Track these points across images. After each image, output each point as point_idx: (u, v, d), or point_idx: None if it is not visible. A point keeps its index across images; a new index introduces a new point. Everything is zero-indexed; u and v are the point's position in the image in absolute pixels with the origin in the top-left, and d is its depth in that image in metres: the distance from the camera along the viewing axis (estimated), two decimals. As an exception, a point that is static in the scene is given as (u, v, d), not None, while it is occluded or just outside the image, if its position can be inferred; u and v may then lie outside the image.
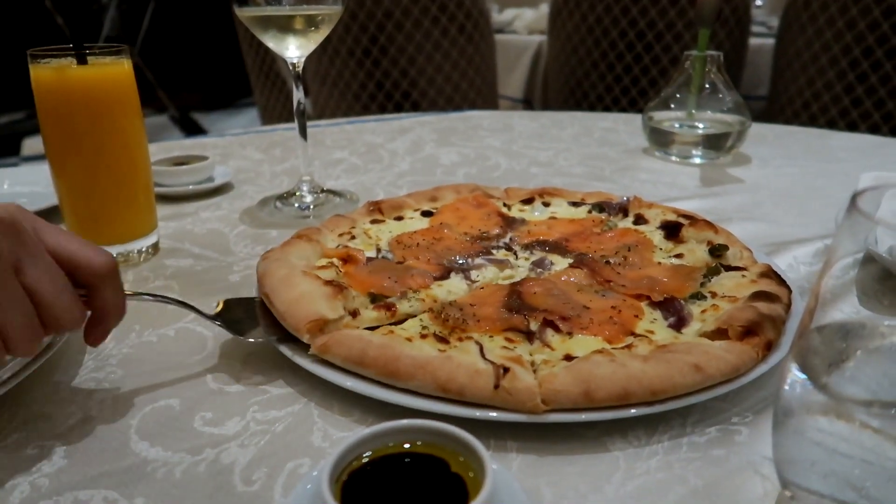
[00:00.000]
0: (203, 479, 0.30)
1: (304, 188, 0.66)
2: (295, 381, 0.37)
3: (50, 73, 0.48)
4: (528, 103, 2.11)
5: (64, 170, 0.50)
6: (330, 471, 0.25)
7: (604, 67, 1.83)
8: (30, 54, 0.49)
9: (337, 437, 0.33)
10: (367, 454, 0.27)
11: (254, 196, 0.69)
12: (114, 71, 0.49)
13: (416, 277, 0.44)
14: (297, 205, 0.65)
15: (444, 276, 0.45)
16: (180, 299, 0.39)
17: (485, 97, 1.84)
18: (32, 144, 4.32)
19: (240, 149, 0.87)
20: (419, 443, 0.27)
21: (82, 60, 0.49)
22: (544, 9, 2.15)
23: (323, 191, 0.67)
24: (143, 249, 0.53)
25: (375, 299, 0.42)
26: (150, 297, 0.39)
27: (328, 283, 0.41)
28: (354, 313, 0.40)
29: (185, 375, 0.38)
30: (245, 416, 0.34)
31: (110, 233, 0.52)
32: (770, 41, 1.80)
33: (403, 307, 0.41)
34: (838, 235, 0.23)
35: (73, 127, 0.49)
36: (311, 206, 0.64)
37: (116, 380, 0.38)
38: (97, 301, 0.34)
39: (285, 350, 0.37)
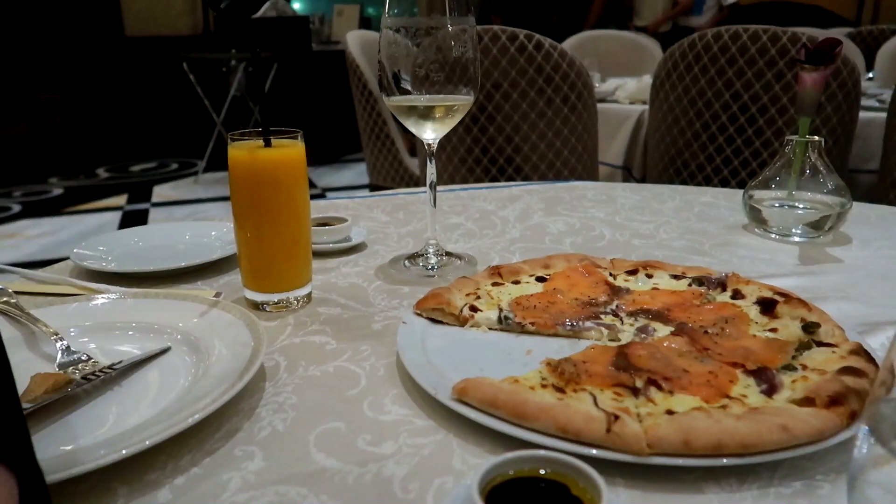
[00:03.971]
0: (369, 486, 0.38)
1: (430, 250, 0.75)
2: (436, 415, 0.45)
3: (243, 153, 0.60)
4: (627, 170, 2.16)
5: (245, 228, 0.61)
6: (478, 483, 0.33)
7: (705, 138, 1.87)
8: (229, 137, 0.61)
9: (473, 462, 0.40)
10: (505, 474, 0.34)
11: (384, 255, 0.78)
12: (291, 151, 0.61)
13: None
14: (423, 265, 0.74)
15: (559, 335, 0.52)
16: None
17: (585, 164, 1.92)
18: (160, 191, 4.71)
19: (367, 211, 0.98)
20: (547, 470, 0.34)
21: (268, 143, 0.61)
22: (647, 79, 2.22)
23: (445, 253, 0.76)
24: (301, 298, 0.64)
25: (500, 352, 0.49)
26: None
27: (462, 335, 0.49)
28: (484, 363, 0.48)
29: (346, 404, 0.47)
30: (398, 440, 0.42)
31: (276, 282, 0.62)
32: (882, 115, 1.79)
33: (524, 360, 0.49)
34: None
35: (257, 195, 0.60)
36: (436, 267, 0.73)
37: (293, 404, 0.47)
38: None
39: (429, 388, 0.45)
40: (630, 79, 2.53)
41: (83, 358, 0.51)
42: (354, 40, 2.87)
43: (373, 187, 2.76)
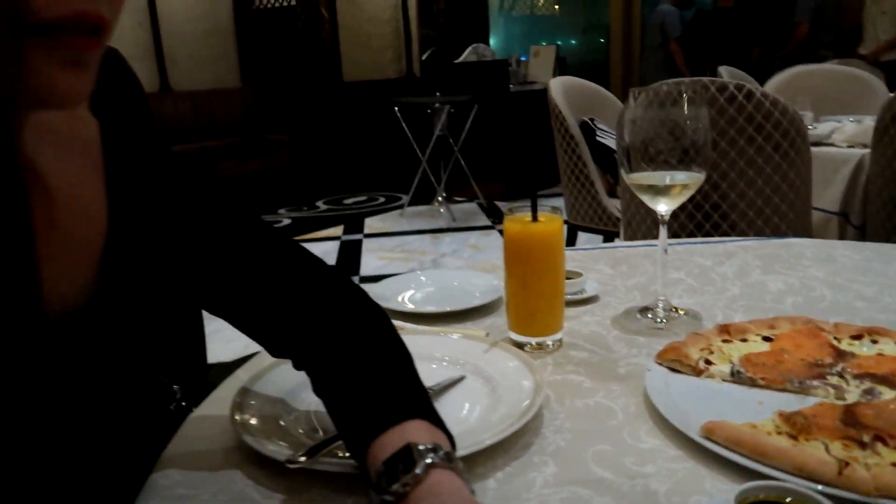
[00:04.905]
0: (640, 495, 0.51)
1: (660, 305, 0.86)
2: (685, 448, 0.57)
3: (516, 226, 0.76)
4: (844, 217, 2.09)
5: (514, 283, 0.78)
6: (735, 498, 0.44)
7: (937, 186, 1.77)
8: (505, 211, 0.77)
9: (721, 487, 0.51)
10: (756, 496, 0.45)
11: (616, 306, 0.91)
12: (554, 226, 0.76)
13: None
14: (653, 317, 0.85)
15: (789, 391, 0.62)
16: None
17: (797, 210, 1.90)
18: (371, 223, 5.17)
19: (593, 263, 1.11)
20: (791, 498, 0.45)
21: (535, 219, 0.76)
22: (868, 122, 2.13)
23: (672, 308, 0.87)
24: (556, 342, 0.78)
25: (736, 401, 0.60)
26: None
27: (703, 385, 0.61)
28: (723, 409, 0.59)
29: (609, 432, 0.60)
30: (656, 463, 0.55)
31: (538, 327, 0.78)
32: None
33: (758, 410, 0.59)
34: None
35: (526, 258, 0.76)
36: (665, 321, 0.84)
37: (568, 427, 0.61)
38: None
39: (679, 425, 0.57)
40: (847, 119, 2.42)
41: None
42: (557, 86, 3.04)
43: (572, 226, 2.89)
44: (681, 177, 0.80)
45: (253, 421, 0.60)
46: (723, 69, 4.10)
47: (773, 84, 3.30)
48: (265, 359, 0.71)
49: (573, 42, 7.92)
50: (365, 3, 6.34)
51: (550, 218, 0.77)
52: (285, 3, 6.20)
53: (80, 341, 0.47)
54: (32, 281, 0.40)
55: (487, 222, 4.76)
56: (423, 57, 6.35)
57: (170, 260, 0.55)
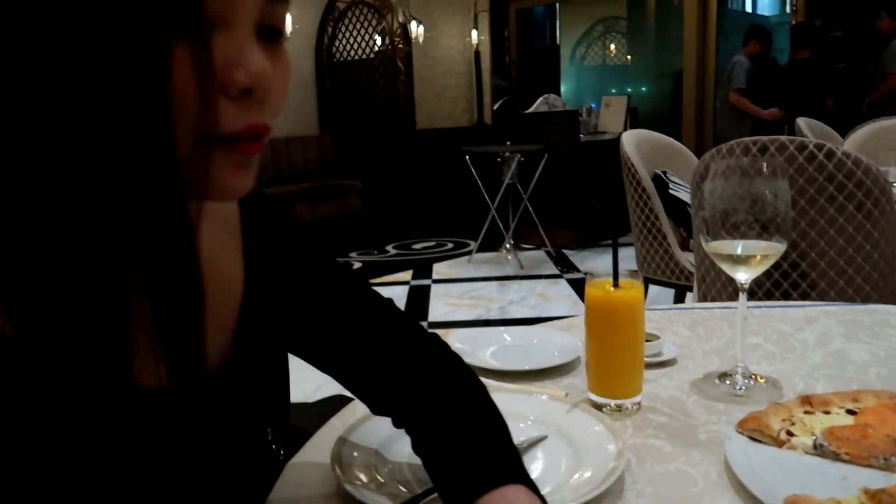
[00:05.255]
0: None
1: (739, 371, 0.87)
2: (768, 520, 0.58)
3: (598, 292, 0.80)
4: (933, 279, 2.01)
5: (595, 345, 0.81)
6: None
7: None
8: (586, 276, 0.81)
9: (805, 562, 0.52)
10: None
11: (694, 370, 0.92)
12: (635, 293, 0.79)
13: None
14: (731, 384, 0.86)
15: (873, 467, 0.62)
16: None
17: (882, 273, 1.84)
18: (439, 269, 5.24)
19: (669, 324, 1.13)
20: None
21: (616, 285, 0.80)
22: (958, 179, 2.06)
23: (751, 376, 0.88)
24: (635, 404, 0.81)
25: (820, 475, 0.61)
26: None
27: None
28: (806, 482, 0.60)
29: (691, 498, 0.62)
30: (739, 534, 0.56)
31: (617, 390, 0.80)
32: None
33: (842, 485, 0.60)
34: None
35: (607, 323, 0.79)
36: (744, 388, 0.85)
37: (650, 492, 0.63)
38: None
39: (762, 497, 0.59)
40: (936, 177, 2.34)
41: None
42: (629, 139, 3.07)
43: (643, 280, 2.87)
44: (761, 246, 0.82)
45: (352, 470, 0.65)
46: (801, 121, 4.03)
47: (855, 138, 3.23)
48: (358, 409, 0.76)
49: (644, 89, 7.94)
50: (440, 56, 6.57)
51: (631, 284, 0.80)
52: (364, 56, 6.49)
53: (212, 402, 0.53)
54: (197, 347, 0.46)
55: (555, 271, 4.76)
56: (495, 107, 6.49)
57: (294, 321, 0.61)
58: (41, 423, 0.41)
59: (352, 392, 0.66)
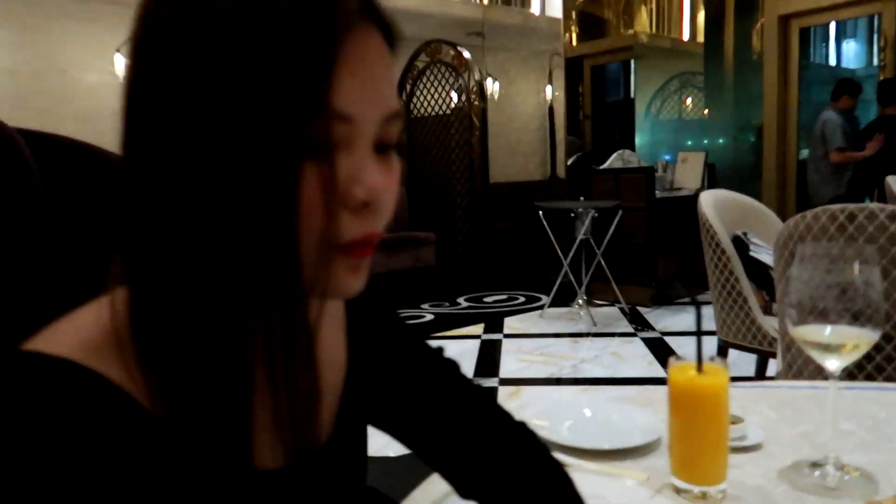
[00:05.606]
0: None
1: (830, 462, 0.84)
2: None
3: (682, 378, 0.80)
4: None
5: (676, 428, 0.81)
6: None
7: None
8: (670, 360, 0.82)
9: None
10: None
11: (781, 457, 0.90)
12: (720, 379, 0.79)
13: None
14: (822, 475, 0.84)
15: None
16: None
17: None
18: (510, 323, 5.24)
19: (753, 404, 1.10)
20: None
21: (699, 370, 0.80)
22: None
23: (843, 466, 0.85)
24: (719, 492, 0.79)
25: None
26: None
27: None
28: None
29: None
30: None
31: (701, 476, 0.80)
32: None
33: None
34: None
35: (691, 409, 0.79)
36: (836, 481, 0.82)
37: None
38: None
39: None
40: None
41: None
42: (707, 199, 3.03)
43: (723, 344, 2.79)
44: (852, 335, 0.81)
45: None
46: (891, 180, 3.88)
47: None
48: (437, 484, 0.78)
49: (721, 141, 7.81)
50: (514, 113, 6.70)
51: (716, 370, 0.80)
52: (440, 112, 6.68)
53: (320, 478, 0.57)
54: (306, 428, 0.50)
55: (630, 329, 4.67)
56: (569, 162, 6.53)
57: (389, 402, 0.65)
58: (171, 500, 0.46)
59: (437, 470, 0.68)
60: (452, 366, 0.69)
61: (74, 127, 5.32)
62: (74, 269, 0.65)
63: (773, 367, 2.71)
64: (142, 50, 0.44)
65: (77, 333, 0.45)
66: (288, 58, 0.41)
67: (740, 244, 2.89)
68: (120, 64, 5.57)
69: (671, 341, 4.27)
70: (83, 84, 5.64)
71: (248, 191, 0.42)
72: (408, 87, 6.89)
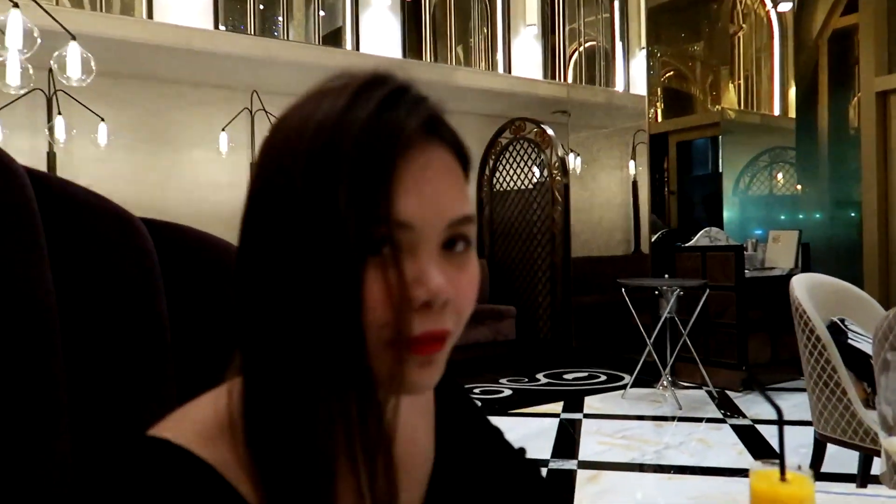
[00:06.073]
0: None
1: (933, 588, 0.79)
2: None
3: (765, 485, 0.78)
4: None
5: (759, 544, 0.77)
6: None
7: None
8: (751, 466, 0.79)
9: None
10: None
11: (878, 577, 0.84)
12: (805, 491, 0.76)
13: None
14: None
15: None
16: None
17: None
18: (590, 402, 5.11)
19: (848, 513, 1.04)
20: None
21: (783, 478, 0.77)
22: None
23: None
24: None
25: None
26: None
27: None
28: None
29: None
30: None
31: None
32: None
33: None
34: None
35: (774, 521, 0.76)
36: None
37: None
38: None
39: None
40: None
41: None
42: (800, 284, 2.91)
43: (819, 438, 2.62)
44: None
45: None
46: None
47: None
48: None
49: (818, 216, 7.50)
50: (597, 188, 6.71)
51: (800, 480, 0.77)
52: (523, 187, 6.78)
53: None
54: None
55: (718, 414, 4.44)
56: (653, 238, 6.43)
57: (470, 492, 0.66)
58: None
59: None
60: (533, 468, 0.70)
61: (177, 197, 5.75)
62: (191, 360, 0.72)
63: (877, 466, 2.51)
64: (258, 168, 0.53)
65: (196, 422, 0.50)
66: (354, 175, 0.47)
67: (838, 331, 2.74)
68: (223, 141, 6.00)
69: (763, 430, 4.02)
70: (189, 158, 6.09)
71: (322, 288, 0.48)
72: (491, 161, 7.06)
